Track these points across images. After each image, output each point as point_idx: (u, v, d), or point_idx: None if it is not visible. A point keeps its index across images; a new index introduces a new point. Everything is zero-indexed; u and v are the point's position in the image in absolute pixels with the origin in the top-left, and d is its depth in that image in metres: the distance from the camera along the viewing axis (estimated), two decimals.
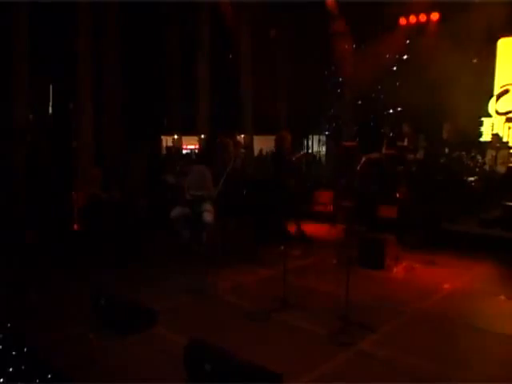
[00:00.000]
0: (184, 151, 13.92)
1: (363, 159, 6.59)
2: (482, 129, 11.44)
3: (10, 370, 3.96)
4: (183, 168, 7.19)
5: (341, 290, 5.01)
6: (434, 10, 11.46)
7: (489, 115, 11.52)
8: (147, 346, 4.54)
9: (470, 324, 5.07)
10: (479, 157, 9.97)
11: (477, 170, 9.63)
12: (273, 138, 11.67)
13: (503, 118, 11.06)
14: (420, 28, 11.75)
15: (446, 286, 6.29)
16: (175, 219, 7.05)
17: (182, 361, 3.87)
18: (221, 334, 4.77)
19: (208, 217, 6.77)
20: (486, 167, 9.69)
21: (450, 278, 6.58)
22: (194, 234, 7.12)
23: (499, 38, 11.32)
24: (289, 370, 3.90)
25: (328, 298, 5.67)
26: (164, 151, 14.03)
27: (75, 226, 9.77)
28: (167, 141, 13.69)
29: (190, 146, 12.87)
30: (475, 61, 11.41)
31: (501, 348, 4.60)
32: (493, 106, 11.41)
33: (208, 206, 6.78)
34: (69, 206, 9.94)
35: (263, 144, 13.71)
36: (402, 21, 12.06)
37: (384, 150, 10.62)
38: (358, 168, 6.60)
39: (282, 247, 7.80)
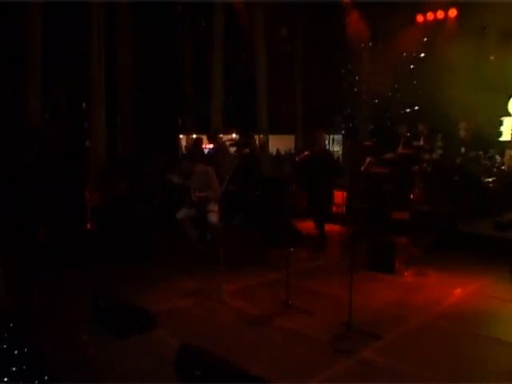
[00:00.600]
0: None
1: (368, 160, 6.38)
2: (502, 128, 11.12)
3: (13, 369, 3.96)
4: (188, 168, 7.09)
5: (347, 294, 4.85)
6: (452, 7, 11.18)
7: (509, 114, 11.19)
8: (143, 349, 4.46)
9: (479, 333, 4.87)
10: (498, 157, 9.69)
11: (494, 170, 9.36)
12: (288, 137, 11.64)
13: None
14: (438, 25, 11.47)
15: (457, 291, 6.09)
16: (181, 220, 6.98)
17: (173, 365, 3.80)
18: (220, 338, 4.70)
19: (213, 217, 6.68)
20: (505, 167, 9.40)
21: (461, 283, 6.37)
22: (200, 233, 7.06)
23: None
24: (284, 377, 3.80)
25: (333, 302, 5.54)
26: (184, 150, 14.04)
27: (88, 226, 9.83)
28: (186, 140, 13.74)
29: (209, 145, 12.80)
30: (492, 57, 11.07)
31: (510, 358, 4.40)
32: None
33: (213, 207, 6.68)
34: (82, 206, 9.99)
35: (279, 144, 13.61)
36: (420, 18, 11.81)
37: (400, 150, 10.43)
38: (362, 169, 6.41)
39: (292, 249, 7.78)
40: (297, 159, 6.70)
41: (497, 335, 4.80)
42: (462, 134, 9.45)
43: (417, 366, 4.13)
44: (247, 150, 10.09)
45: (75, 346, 4.39)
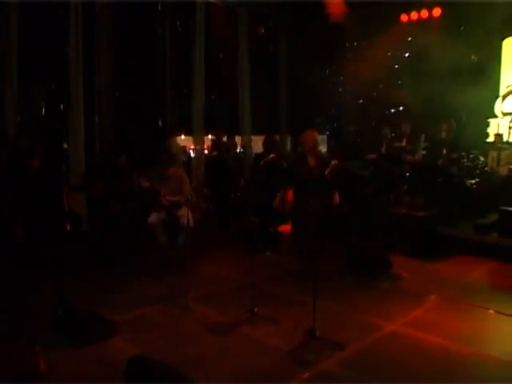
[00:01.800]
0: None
1: (332, 163, 6.20)
2: (489, 130, 11.00)
3: None
4: (160, 171, 6.95)
5: (318, 301, 4.68)
6: (437, 6, 11.03)
7: (495, 116, 11.08)
8: (99, 359, 4.31)
9: (452, 343, 4.67)
10: (482, 158, 9.57)
11: (477, 172, 9.24)
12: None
13: (509, 118, 10.63)
14: (422, 24, 11.33)
15: (433, 297, 5.94)
16: (152, 224, 6.83)
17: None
18: (181, 347, 4.56)
19: (184, 221, 6.53)
20: (488, 169, 9.28)
21: (439, 287, 6.23)
22: (171, 239, 6.92)
23: (505, 37, 10.86)
24: None
25: (302, 309, 5.34)
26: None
27: (68, 227, 9.68)
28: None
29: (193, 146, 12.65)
30: (473, 57, 10.96)
31: (483, 370, 4.19)
32: (498, 106, 10.97)
33: (183, 211, 6.53)
34: (60, 207, 9.84)
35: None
36: (404, 17, 11.67)
37: (383, 151, 10.31)
38: (326, 173, 6.27)
39: (268, 253, 7.66)
40: (262, 162, 6.53)
41: (471, 347, 4.59)
42: (443, 134, 9.30)
43: (383, 379, 3.97)
44: (215, 153, 10.01)
45: (28, 357, 4.23)
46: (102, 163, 8.93)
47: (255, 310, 5.17)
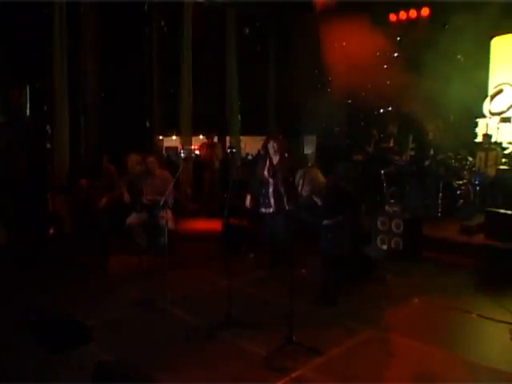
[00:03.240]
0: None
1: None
2: (477, 130, 10.96)
3: None
4: (144, 171, 6.87)
5: (297, 304, 4.62)
6: (425, 6, 11.00)
7: (484, 116, 11.03)
8: (69, 364, 4.21)
9: (434, 347, 4.57)
10: (470, 158, 9.50)
11: (465, 172, 9.17)
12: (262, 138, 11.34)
13: (497, 118, 10.59)
14: (411, 24, 11.29)
15: (416, 300, 5.86)
16: (131, 225, 6.74)
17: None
18: (156, 350, 4.47)
19: (165, 222, 6.43)
20: (476, 169, 9.21)
21: (422, 290, 6.14)
22: (151, 240, 6.82)
23: (493, 36, 10.82)
24: None
25: (281, 313, 5.26)
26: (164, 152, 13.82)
27: (51, 230, 9.57)
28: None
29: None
30: (460, 57, 10.92)
31: (464, 376, 4.08)
32: (487, 106, 10.93)
33: (165, 213, 6.42)
34: (44, 209, 9.73)
35: (255, 145, 13.40)
36: (392, 17, 11.62)
37: (371, 151, 10.25)
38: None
39: (252, 255, 7.56)
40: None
41: (452, 351, 4.51)
42: (431, 135, 9.24)
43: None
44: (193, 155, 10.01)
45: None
46: (85, 163, 8.81)
47: (232, 313, 5.06)
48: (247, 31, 12.67)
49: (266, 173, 6.55)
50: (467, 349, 4.62)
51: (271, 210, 6.53)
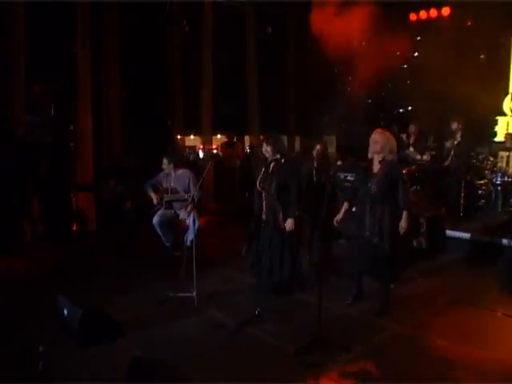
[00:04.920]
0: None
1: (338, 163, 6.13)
2: (497, 128, 10.91)
3: None
4: (169, 170, 6.96)
5: (324, 302, 4.63)
6: (446, 5, 10.98)
7: (504, 114, 10.98)
8: (103, 360, 4.29)
9: (458, 345, 4.63)
10: (491, 158, 9.47)
11: (486, 172, 9.14)
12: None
13: None
14: (431, 23, 11.28)
15: (442, 299, 5.88)
16: (158, 223, 6.83)
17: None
18: (186, 347, 4.55)
19: (191, 221, 6.52)
20: (497, 169, 9.17)
21: (447, 289, 6.16)
22: (177, 238, 6.91)
23: None
24: None
25: (308, 310, 5.32)
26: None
27: (74, 227, 9.73)
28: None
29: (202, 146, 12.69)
30: (482, 56, 10.89)
31: (492, 373, 4.13)
32: (507, 104, 10.87)
33: (192, 211, 6.50)
34: (68, 207, 9.89)
35: None
36: (413, 16, 11.61)
37: None
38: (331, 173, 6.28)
39: None
40: None
41: (478, 349, 4.54)
42: (452, 134, 9.18)
43: (385, 380, 3.94)
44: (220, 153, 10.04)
45: (34, 357, 4.23)
46: (113, 164, 8.92)
47: (260, 310, 5.13)
48: (269, 30, 12.72)
49: (257, 183, 5.77)
50: (494, 347, 4.64)
51: (266, 227, 5.71)
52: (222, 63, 11.77)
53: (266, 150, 5.70)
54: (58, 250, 7.96)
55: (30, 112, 9.33)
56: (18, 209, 8.47)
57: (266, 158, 5.77)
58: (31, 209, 8.58)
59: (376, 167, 5.22)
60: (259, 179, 5.74)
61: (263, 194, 5.67)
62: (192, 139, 14.35)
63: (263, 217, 5.65)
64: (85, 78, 9.85)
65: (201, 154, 13.30)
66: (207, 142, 11.93)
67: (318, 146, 6.42)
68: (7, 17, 8.77)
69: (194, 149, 14.24)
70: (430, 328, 5.04)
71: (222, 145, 12.01)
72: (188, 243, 6.66)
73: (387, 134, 5.26)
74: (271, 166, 5.71)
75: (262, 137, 10.98)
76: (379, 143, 5.14)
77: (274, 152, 5.69)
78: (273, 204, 5.62)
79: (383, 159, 5.17)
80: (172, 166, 6.89)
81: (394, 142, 5.28)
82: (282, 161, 5.71)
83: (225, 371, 4.11)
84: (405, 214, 5.10)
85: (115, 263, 7.05)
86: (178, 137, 12.72)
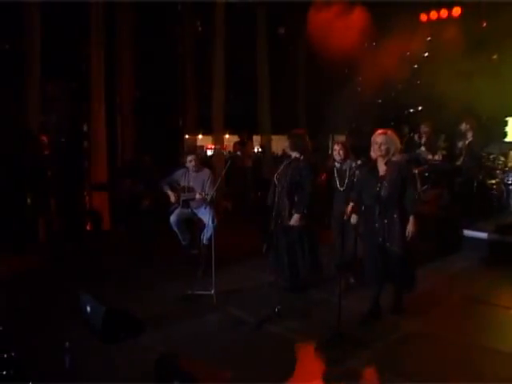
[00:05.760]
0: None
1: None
2: (507, 129, 10.97)
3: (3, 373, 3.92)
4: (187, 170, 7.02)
5: (342, 299, 4.74)
6: (456, 6, 11.03)
7: None
8: (127, 357, 4.39)
9: (476, 341, 4.73)
10: (502, 158, 9.53)
11: (498, 172, 9.21)
12: None
13: None
14: (441, 24, 11.32)
15: (456, 296, 5.96)
16: (175, 222, 6.90)
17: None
18: (207, 344, 4.62)
19: (209, 219, 6.59)
20: (508, 169, 9.23)
21: (461, 288, 6.25)
22: (194, 236, 6.98)
23: None
24: None
25: (325, 308, 5.41)
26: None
27: (88, 227, 9.82)
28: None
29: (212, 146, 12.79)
30: (495, 57, 10.93)
31: (506, 370, 4.22)
32: None
33: (207, 209, 6.57)
34: (82, 207, 9.99)
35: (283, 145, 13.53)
36: (423, 17, 11.66)
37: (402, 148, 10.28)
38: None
39: None
40: None
41: (495, 345, 4.63)
42: (464, 134, 9.23)
43: (406, 377, 4.03)
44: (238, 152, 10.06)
45: (59, 352, 4.31)
46: (129, 163, 8.97)
47: (280, 307, 5.21)
48: (282, 31, 12.79)
49: (275, 177, 5.91)
50: (509, 344, 4.72)
51: (278, 222, 5.74)
52: (234, 63, 11.82)
53: (288, 146, 5.91)
54: (72, 249, 8.03)
55: (44, 112, 9.40)
56: (33, 208, 8.53)
57: (289, 155, 5.93)
58: (47, 208, 8.63)
59: (382, 169, 5.01)
60: (277, 173, 5.87)
61: (277, 189, 5.74)
62: (199, 139, 14.47)
63: (274, 212, 5.65)
64: (98, 78, 9.92)
65: (209, 153, 13.43)
66: (218, 142, 11.98)
67: (337, 146, 6.07)
68: (22, 17, 8.83)
69: (201, 148, 14.39)
70: (447, 324, 5.13)
71: (234, 144, 12.11)
72: (205, 241, 6.73)
73: (390, 133, 5.03)
74: (290, 162, 5.82)
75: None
76: (383, 145, 4.93)
77: (294, 149, 5.82)
78: (283, 199, 5.71)
79: (389, 161, 4.98)
80: (195, 163, 6.93)
81: (397, 141, 5.10)
82: (301, 158, 5.81)
83: (249, 367, 4.18)
84: (412, 218, 4.92)
85: (132, 262, 7.10)
86: (187, 136, 12.82)
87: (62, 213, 9.08)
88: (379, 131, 5.03)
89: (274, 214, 5.60)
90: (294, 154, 5.86)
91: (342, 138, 12.94)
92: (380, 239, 5.00)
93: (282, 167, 5.90)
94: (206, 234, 6.69)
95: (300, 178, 5.72)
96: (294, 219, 5.73)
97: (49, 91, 9.76)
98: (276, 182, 5.84)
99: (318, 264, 5.98)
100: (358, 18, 12.04)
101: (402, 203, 4.96)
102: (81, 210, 9.89)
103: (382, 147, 4.93)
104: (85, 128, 10.19)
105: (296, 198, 5.77)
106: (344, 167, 5.95)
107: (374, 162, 5.08)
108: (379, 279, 5.17)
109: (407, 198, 4.94)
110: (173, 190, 6.91)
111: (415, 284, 5.21)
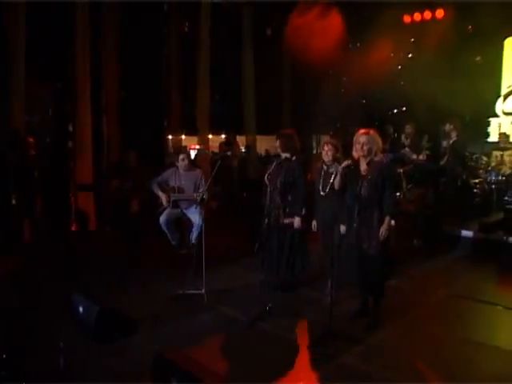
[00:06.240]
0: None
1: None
2: (489, 129, 11.19)
3: None
4: (177, 169, 7.03)
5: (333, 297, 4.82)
6: (440, 8, 11.20)
7: (496, 115, 11.26)
8: (120, 356, 4.40)
9: (464, 336, 4.86)
10: (484, 158, 9.71)
11: (481, 171, 9.39)
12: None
13: (510, 118, 10.83)
14: (425, 26, 11.49)
15: (441, 293, 6.07)
16: (164, 222, 6.92)
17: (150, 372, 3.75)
18: (200, 342, 4.65)
19: (196, 218, 6.62)
20: (491, 168, 9.42)
21: (447, 284, 6.37)
22: (183, 236, 7.00)
23: (506, 36, 11.03)
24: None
25: (317, 305, 5.48)
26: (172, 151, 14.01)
27: (73, 227, 9.77)
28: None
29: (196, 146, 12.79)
30: (478, 58, 11.15)
31: (494, 362, 4.36)
32: (500, 105, 11.16)
33: (197, 209, 6.60)
34: (67, 207, 9.93)
35: (267, 145, 13.65)
36: (407, 18, 11.82)
37: (387, 149, 10.39)
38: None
39: None
40: None
41: (481, 339, 4.79)
42: (448, 134, 9.38)
43: (399, 371, 4.11)
44: (229, 153, 10.09)
45: (51, 354, 4.30)
46: (116, 163, 8.92)
47: (271, 305, 5.26)
48: (268, 32, 12.84)
49: (265, 177, 5.88)
50: (495, 339, 4.90)
51: (270, 222, 5.74)
52: (219, 63, 11.86)
53: (278, 147, 5.82)
54: (57, 250, 7.99)
55: (29, 112, 9.34)
56: (19, 209, 8.47)
57: (279, 155, 5.88)
58: (33, 209, 8.58)
59: (364, 169, 4.93)
60: (268, 173, 5.83)
61: (268, 189, 5.72)
62: (183, 139, 14.45)
63: (266, 212, 5.68)
64: (84, 78, 9.88)
65: (192, 155, 13.39)
66: (203, 142, 11.99)
67: (326, 147, 5.77)
68: (7, 16, 8.77)
69: (185, 149, 14.36)
70: (434, 320, 5.25)
71: (220, 145, 12.14)
72: (193, 241, 6.76)
73: (372, 133, 4.93)
74: (281, 162, 5.80)
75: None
76: (365, 145, 4.84)
77: (286, 150, 5.80)
78: (276, 199, 5.68)
79: (372, 161, 4.89)
80: (187, 162, 6.94)
81: (380, 141, 4.98)
82: (293, 159, 5.83)
83: (241, 365, 4.23)
84: (387, 219, 4.83)
85: (120, 263, 7.08)
86: (170, 137, 12.80)
87: (47, 213, 9.03)
88: (362, 131, 4.94)
89: (265, 213, 5.63)
90: (285, 155, 5.85)
91: (327, 138, 13.09)
92: (357, 239, 4.96)
93: (272, 167, 5.87)
94: (194, 233, 6.73)
95: (293, 178, 5.73)
96: (297, 222, 5.72)
97: (34, 91, 9.70)
98: (267, 183, 5.82)
99: (309, 263, 6.01)
100: (342, 19, 12.16)
101: (381, 204, 4.87)
102: (66, 211, 9.83)
103: (365, 147, 4.84)
104: (70, 128, 10.12)
105: (290, 199, 5.77)
106: (331, 170, 5.66)
107: (357, 162, 5.00)
108: (359, 279, 5.15)
109: (385, 199, 4.84)
110: (163, 191, 6.92)
111: (383, 291, 5.07)
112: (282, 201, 5.72)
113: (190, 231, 6.83)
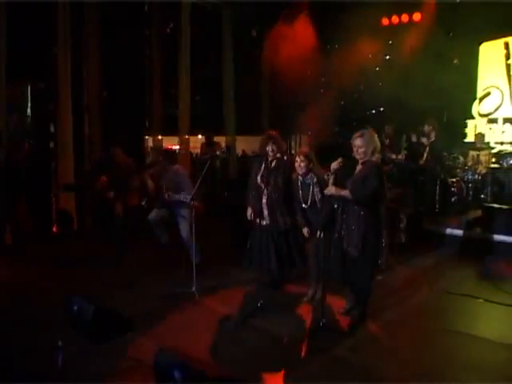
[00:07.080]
0: None
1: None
2: (466, 130, 11.51)
3: None
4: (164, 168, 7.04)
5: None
6: (417, 11, 11.47)
7: (473, 117, 11.60)
8: (119, 354, 4.45)
9: (448, 328, 5.06)
10: (461, 158, 9.99)
11: (458, 170, 9.67)
12: (255, 138, 11.64)
13: (485, 119, 11.18)
14: (403, 28, 11.75)
15: (425, 288, 6.28)
16: (153, 221, 6.96)
17: (151, 368, 3.80)
18: (195, 339, 4.72)
19: (186, 218, 6.66)
20: (467, 168, 9.70)
21: (429, 279, 6.58)
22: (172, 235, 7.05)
23: (481, 42, 11.37)
24: (259, 377, 3.88)
25: (307, 301, 5.61)
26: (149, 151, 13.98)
27: (54, 229, 9.70)
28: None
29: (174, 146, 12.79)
30: (456, 61, 11.45)
31: (476, 352, 4.55)
32: (476, 108, 11.50)
33: (185, 212, 6.65)
34: (48, 208, 9.85)
35: (245, 145, 13.76)
36: (385, 21, 12.06)
37: None
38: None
39: None
40: None
41: (467, 330, 4.98)
42: (426, 134, 9.62)
43: (388, 362, 4.28)
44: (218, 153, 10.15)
45: (49, 354, 4.32)
46: (99, 161, 8.85)
47: (262, 302, 5.37)
48: (248, 33, 12.94)
49: (259, 178, 5.82)
50: (483, 329, 5.09)
51: (264, 222, 5.78)
52: (200, 64, 11.92)
53: (271, 148, 5.72)
54: (39, 251, 7.94)
55: (9, 112, 9.27)
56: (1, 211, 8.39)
57: (264, 156, 5.80)
58: (15, 211, 8.50)
59: (357, 169, 4.93)
60: (260, 174, 5.77)
61: (265, 189, 5.70)
62: (160, 139, 14.43)
63: (264, 212, 5.71)
64: (65, 78, 9.83)
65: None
66: (184, 142, 12.03)
67: (298, 158, 5.56)
68: None
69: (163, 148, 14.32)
70: (419, 314, 5.46)
71: (201, 145, 12.20)
72: (182, 239, 6.81)
73: (368, 135, 4.87)
74: (274, 163, 5.79)
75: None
76: (360, 148, 4.80)
77: (278, 151, 5.80)
78: (276, 198, 5.70)
79: (367, 161, 4.85)
80: (168, 163, 6.99)
81: (376, 140, 4.92)
82: (285, 158, 5.93)
83: (236, 359, 4.33)
84: (344, 192, 4.78)
85: (107, 262, 7.11)
86: (146, 137, 12.78)
87: (30, 214, 8.96)
88: (357, 134, 4.88)
89: (258, 212, 5.70)
90: (278, 155, 5.82)
91: (305, 138, 13.28)
92: (339, 239, 4.99)
93: (262, 168, 5.75)
94: (183, 232, 6.78)
95: (290, 178, 5.69)
96: (306, 232, 5.62)
97: (15, 91, 9.63)
98: (260, 183, 5.77)
99: (302, 260, 6.06)
100: (319, 20, 12.35)
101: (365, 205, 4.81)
102: (47, 212, 9.76)
103: (360, 150, 4.81)
104: (51, 128, 10.06)
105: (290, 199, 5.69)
106: (307, 181, 5.55)
107: (356, 162, 4.99)
108: (344, 278, 5.17)
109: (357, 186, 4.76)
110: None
111: (369, 290, 5.11)
112: (283, 200, 5.71)
113: (180, 230, 6.85)
